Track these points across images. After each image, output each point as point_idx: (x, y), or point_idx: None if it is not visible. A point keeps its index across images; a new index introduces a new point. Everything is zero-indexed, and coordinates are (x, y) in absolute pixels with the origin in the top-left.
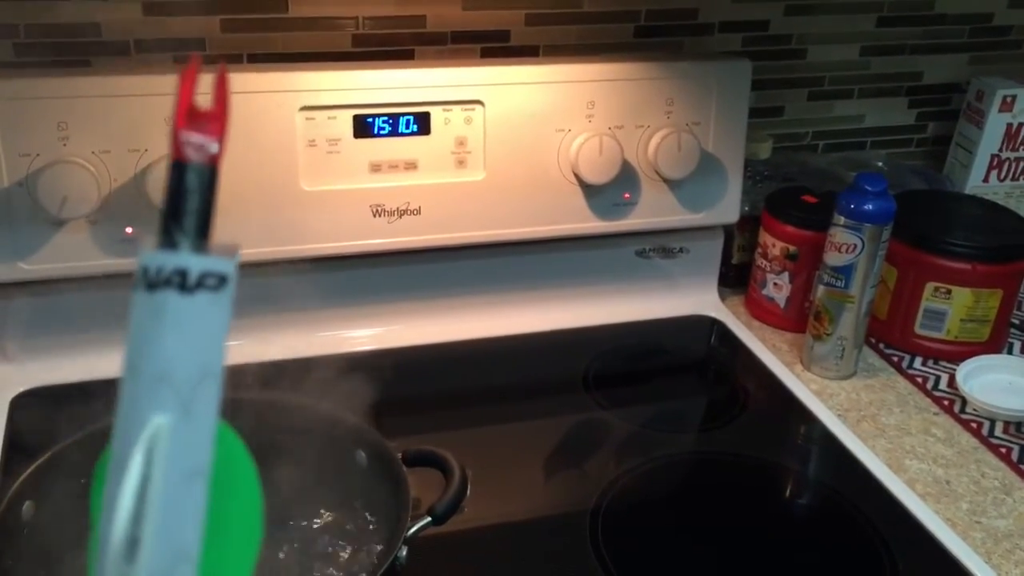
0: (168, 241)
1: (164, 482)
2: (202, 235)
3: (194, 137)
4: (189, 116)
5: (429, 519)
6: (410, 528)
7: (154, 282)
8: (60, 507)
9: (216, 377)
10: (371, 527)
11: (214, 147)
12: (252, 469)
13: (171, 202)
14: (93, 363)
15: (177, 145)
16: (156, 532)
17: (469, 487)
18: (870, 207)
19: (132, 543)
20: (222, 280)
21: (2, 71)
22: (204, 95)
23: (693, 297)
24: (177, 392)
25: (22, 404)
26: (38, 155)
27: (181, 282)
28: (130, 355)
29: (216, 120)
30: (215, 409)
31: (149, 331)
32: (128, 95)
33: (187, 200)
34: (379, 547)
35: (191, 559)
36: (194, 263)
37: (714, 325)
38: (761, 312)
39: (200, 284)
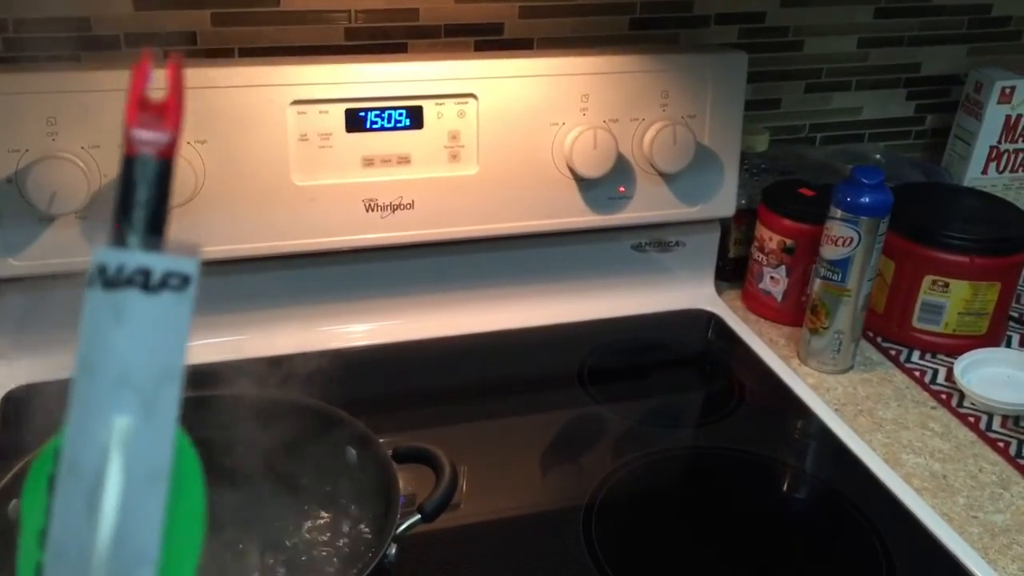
0: (120, 238)
1: (126, 484)
2: (156, 231)
3: (144, 133)
4: (141, 109)
5: (419, 516)
6: (399, 526)
7: (113, 281)
8: None
9: (177, 378)
10: (361, 524)
11: (166, 140)
12: (197, 465)
13: (123, 198)
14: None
15: (128, 139)
16: (117, 535)
17: (464, 483)
18: (866, 200)
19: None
20: (185, 280)
21: None
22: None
23: (689, 291)
24: (139, 393)
25: (12, 401)
26: (27, 151)
27: (144, 281)
28: (85, 355)
29: (170, 112)
30: (176, 410)
31: (109, 331)
32: (118, 90)
33: (138, 195)
34: (369, 544)
35: (151, 562)
36: (157, 263)
37: (711, 319)
38: (758, 306)
39: (164, 284)
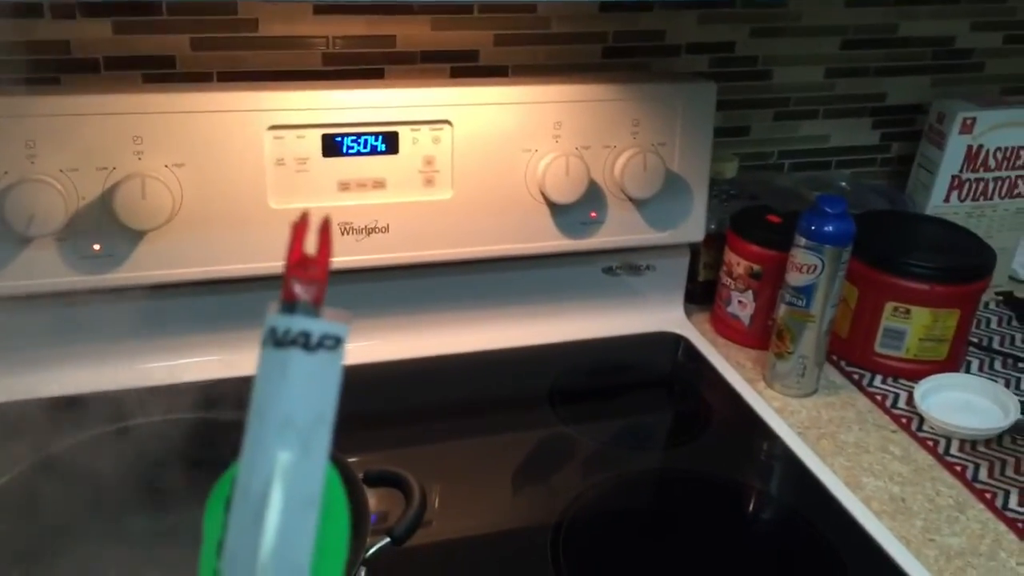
0: (288, 308)
1: (286, 507)
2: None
3: (301, 285)
4: (299, 263)
5: (388, 540)
6: (368, 550)
7: (281, 341)
8: None
9: (329, 421)
10: None
11: (317, 290)
12: (343, 494)
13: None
14: (60, 379)
15: (287, 288)
16: (278, 547)
17: (438, 505)
18: (830, 228)
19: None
20: (338, 341)
21: None
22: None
23: (659, 314)
24: (299, 434)
25: None
26: (6, 173)
27: (305, 342)
28: (258, 401)
29: (319, 266)
30: (327, 447)
31: (276, 382)
32: (97, 113)
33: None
34: None
35: (304, 571)
36: (316, 327)
37: (679, 342)
38: (726, 329)
39: (320, 344)
